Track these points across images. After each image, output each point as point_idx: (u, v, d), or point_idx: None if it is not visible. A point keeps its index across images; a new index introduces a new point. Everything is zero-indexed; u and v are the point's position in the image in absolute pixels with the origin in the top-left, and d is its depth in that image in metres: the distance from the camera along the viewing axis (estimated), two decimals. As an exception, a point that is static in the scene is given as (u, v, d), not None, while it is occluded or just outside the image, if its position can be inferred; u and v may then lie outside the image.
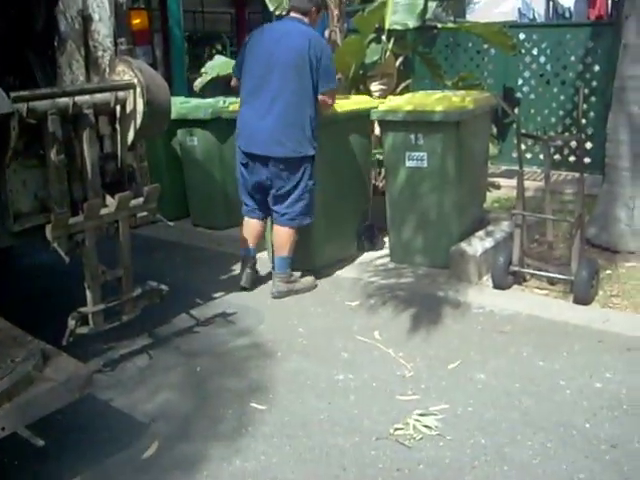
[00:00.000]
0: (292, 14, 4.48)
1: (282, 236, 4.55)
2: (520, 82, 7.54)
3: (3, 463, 2.85)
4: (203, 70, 6.47)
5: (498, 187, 6.54)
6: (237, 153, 4.57)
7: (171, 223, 4.06)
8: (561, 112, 7.33)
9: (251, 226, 4.70)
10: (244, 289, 4.68)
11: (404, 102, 4.88)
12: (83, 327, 3.54)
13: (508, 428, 3.02)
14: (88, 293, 3.55)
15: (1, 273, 4.69)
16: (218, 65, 6.49)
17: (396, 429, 3.02)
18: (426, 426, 3.03)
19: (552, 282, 4.50)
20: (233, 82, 4.67)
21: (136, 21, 4.35)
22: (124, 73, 3.61)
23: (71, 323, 3.46)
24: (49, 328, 3.25)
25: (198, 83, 6.37)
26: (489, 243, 4.83)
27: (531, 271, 4.49)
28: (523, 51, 7.31)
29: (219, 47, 14.57)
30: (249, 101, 4.46)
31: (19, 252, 5.14)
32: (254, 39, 4.53)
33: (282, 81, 4.30)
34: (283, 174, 4.39)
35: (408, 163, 4.84)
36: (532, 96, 7.51)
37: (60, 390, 2.69)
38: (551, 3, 14.84)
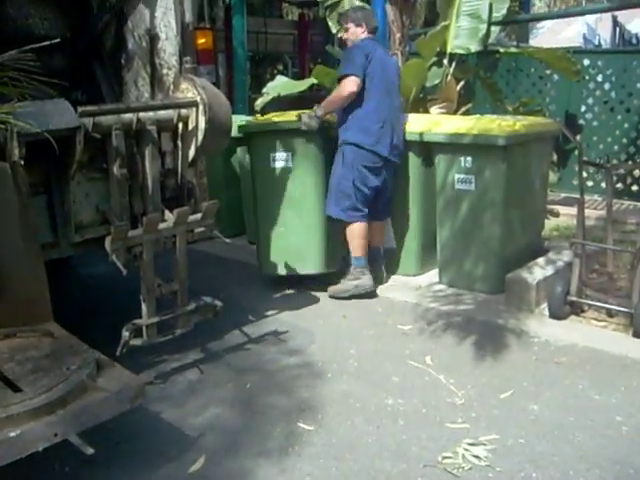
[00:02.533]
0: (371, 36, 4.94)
1: (381, 228, 5.11)
2: (583, 109, 7.40)
3: (54, 469, 2.91)
4: (265, 90, 6.56)
5: (557, 215, 6.42)
6: (362, 157, 4.76)
7: (227, 240, 4.10)
8: (624, 140, 7.15)
9: (367, 229, 4.91)
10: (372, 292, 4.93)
11: (454, 125, 4.87)
12: (137, 339, 3.60)
13: (560, 462, 2.94)
14: (143, 306, 3.61)
15: (59, 282, 4.80)
16: (279, 85, 6.58)
17: (444, 457, 2.97)
18: (475, 456, 2.97)
19: (611, 314, 4.38)
20: (352, 85, 4.67)
21: (201, 41, 4.48)
22: (188, 91, 3.69)
23: (125, 334, 3.52)
24: (104, 338, 3.30)
25: (259, 102, 6.45)
26: (547, 271, 4.73)
27: (589, 302, 4.38)
28: (587, 77, 7.18)
29: (281, 67, 14.78)
30: (382, 106, 4.77)
31: (77, 262, 5.28)
32: (372, 48, 4.79)
33: (396, 95, 4.96)
34: (394, 173, 4.96)
35: (457, 185, 4.82)
36: (595, 123, 7.36)
37: (112, 400, 2.73)
38: (618, 29, 14.56)
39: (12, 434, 2.47)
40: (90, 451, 2.61)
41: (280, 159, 4.93)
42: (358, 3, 5.67)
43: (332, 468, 2.93)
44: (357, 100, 4.70)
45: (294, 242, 4.99)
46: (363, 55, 4.67)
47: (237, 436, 3.19)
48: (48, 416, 2.58)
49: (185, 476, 2.90)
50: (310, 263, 5.03)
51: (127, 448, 3.09)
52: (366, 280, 4.86)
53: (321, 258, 5.03)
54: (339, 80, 4.75)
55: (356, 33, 4.87)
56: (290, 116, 4.91)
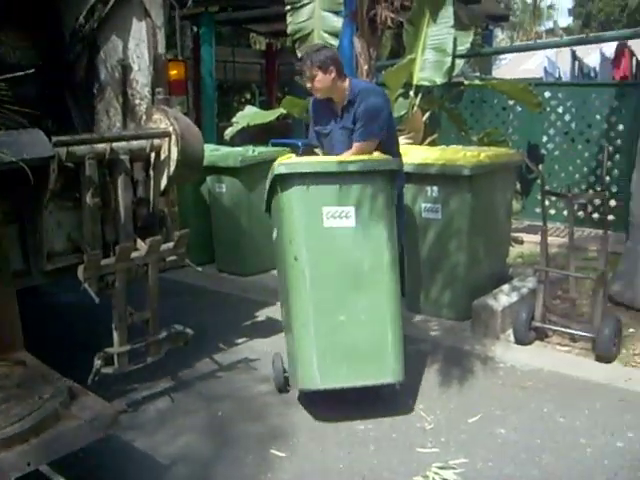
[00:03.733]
0: None
1: None
2: (545, 139, 7.61)
3: (25, 499, 2.88)
4: (234, 119, 6.63)
5: (521, 242, 6.58)
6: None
7: (199, 268, 4.13)
8: (585, 169, 7.37)
9: None
10: None
11: (421, 155, 4.97)
12: (108, 367, 3.61)
13: (528, 485, 3.01)
14: (115, 334, 3.62)
15: (30, 311, 4.77)
16: (249, 115, 6.66)
17: (415, 481, 3.02)
18: (445, 479, 3.03)
19: (574, 339, 4.48)
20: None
21: (173, 72, 4.48)
22: (160, 121, 3.74)
23: (97, 363, 3.53)
24: (75, 367, 3.30)
25: (229, 132, 6.52)
26: (512, 298, 4.84)
27: (553, 327, 4.48)
28: (548, 109, 7.40)
29: (248, 96, 14.91)
30: None
31: (45, 291, 5.25)
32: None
33: None
34: None
35: (424, 214, 4.93)
36: (556, 153, 7.57)
37: (86, 428, 2.74)
38: (577, 63, 15.00)
39: (-15, 463, 2.46)
40: (61, 480, 2.62)
41: (332, 215, 3.58)
42: (327, 37, 5.72)
43: (305, 494, 2.96)
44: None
45: (361, 337, 3.57)
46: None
47: (209, 464, 3.20)
48: (20, 445, 2.58)
49: (158, 504, 2.91)
50: (384, 369, 3.58)
51: (100, 476, 3.09)
52: None
53: (398, 360, 3.60)
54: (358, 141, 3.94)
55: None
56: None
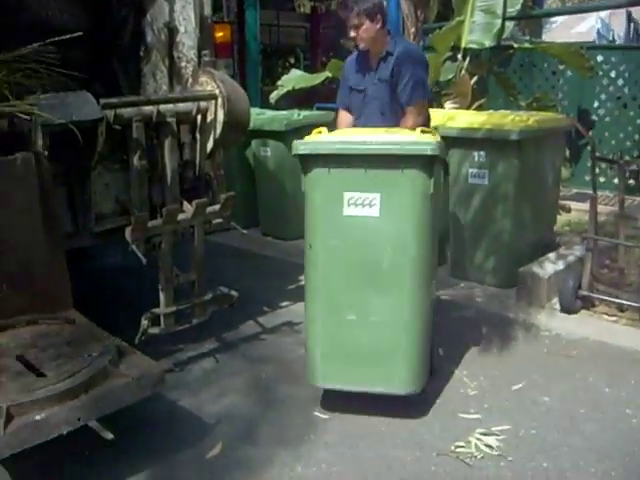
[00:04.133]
0: None
1: None
2: (596, 105, 7.41)
3: (74, 453, 2.97)
4: (280, 83, 6.61)
5: (569, 210, 6.46)
6: None
7: (244, 231, 4.16)
8: (637, 136, 7.17)
9: None
10: None
11: (468, 119, 4.91)
12: (155, 327, 3.67)
13: (571, 453, 2.99)
14: (161, 295, 3.68)
15: (80, 272, 4.88)
16: (294, 78, 6.64)
17: (457, 446, 3.02)
18: (488, 445, 3.03)
19: (622, 309, 4.41)
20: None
21: (219, 34, 4.45)
22: (207, 84, 3.75)
23: (144, 323, 3.59)
24: (123, 327, 3.36)
25: (274, 95, 6.49)
26: (559, 266, 4.76)
27: (601, 296, 4.41)
28: (600, 73, 7.19)
29: (292, 60, 14.82)
30: None
31: (96, 253, 5.35)
32: None
33: None
34: None
35: (470, 180, 4.86)
36: (607, 119, 7.37)
37: (133, 386, 2.79)
38: (632, 24, 14.52)
39: (38, 417, 2.53)
40: (110, 436, 2.68)
41: (354, 202, 3.16)
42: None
43: (347, 455, 2.99)
44: None
45: (369, 340, 3.25)
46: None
47: (254, 424, 3.25)
48: (71, 401, 2.65)
49: (203, 462, 2.97)
50: (392, 377, 3.25)
51: (146, 434, 3.16)
52: None
53: (412, 369, 3.26)
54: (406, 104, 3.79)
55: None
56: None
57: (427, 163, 3.12)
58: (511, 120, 4.69)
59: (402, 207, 3.14)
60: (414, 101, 3.78)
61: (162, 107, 3.56)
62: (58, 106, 3.17)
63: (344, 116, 4.01)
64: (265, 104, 7.18)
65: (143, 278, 3.86)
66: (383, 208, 3.13)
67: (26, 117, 3.09)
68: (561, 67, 7.47)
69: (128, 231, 3.44)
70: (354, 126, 3.91)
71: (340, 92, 4.05)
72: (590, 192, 4.49)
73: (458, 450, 3.00)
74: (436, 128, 4.81)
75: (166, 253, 3.62)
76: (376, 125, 3.70)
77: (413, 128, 3.52)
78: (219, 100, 3.68)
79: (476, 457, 2.96)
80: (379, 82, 3.82)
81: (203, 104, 3.69)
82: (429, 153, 3.08)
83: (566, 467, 2.89)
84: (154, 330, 3.66)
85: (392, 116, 3.82)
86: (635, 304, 4.23)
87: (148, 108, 3.51)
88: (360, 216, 3.16)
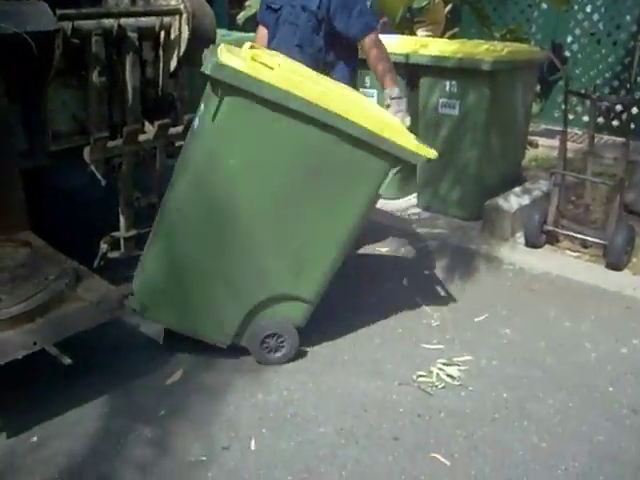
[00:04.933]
0: None
1: None
2: (569, 40, 7.30)
3: (32, 378, 2.91)
4: (247, 3, 6.36)
5: (536, 146, 6.43)
6: None
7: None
8: (608, 74, 7.11)
9: None
10: None
11: (440, 47, 4.80)
12: (114, 251, 3.57)
13: (530, 384, 3.03)
14: (121, 218, 3.57)
15: (36, 194, 4.73)
16: (263, -1, 6.36)
17: (419, 376, 3.04)
18: (449, 375, 3.05)
19: (585, 245, 4.43)
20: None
21: (185, -55, 4.23)
22: (171, -2, 3.56)
23: (103, 247, 3.50)
24: (81, 250, 3.25)
25: (241, 16, 6.26)
26: (524, 200, 4.76)
27: (565, 232, 4.42)
28: (576, 7, 7.06)
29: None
30: None
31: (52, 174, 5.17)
32: None
33: None
34: None
35: (440, 109, 4.79)
36: (580, 55, 7.28)
37: (92, 310, 2.72)
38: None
39: (-9, 340, 2.46)
40: (68, 361, 2.62)
41: None
42: None
43: (309, 383, 2.98)
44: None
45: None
46: None
47: (215, 351, 3.19)
48: (27, 324, 2.58)
49: (163, 386, 2.94)
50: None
51: (105, 359, 3.11)
52: None
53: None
54: (362, 35, 3.43)
55: None
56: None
57: None
58: (484, 50, 4.59)
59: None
60: (369, 29, 3.41)
61: (123, 21, 3.37)
62: (11, 15, 2.97)
63: (261, 32, 3.74)
64: (232, 26, 6.93)
65: (102, 202, 3.74)
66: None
67: (-24, 25, 2.90)
68: (537, -1, 7.33)
69: (87, 151, 3.29)
70: (268, 47, 3.52)
71: (260, 3, 3.74)
72: (559, 129, 4.44)
73: (420, 379, 3.01)
74: (407, 55, 4.73)
75: (126, 175, 3.50)
76: (292, 57, 3.21)
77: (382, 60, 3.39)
78: (184, 16, 3.51)
79: (437, 387, 2.97)
80: (301, 10, 3.43)
81: (167, 19, 3.52)
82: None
83: (525, 398, 2.93)
84: (114, 254, 3.56)
85: (313, 52, 3.46)
86: (599, 240, 4.25)
87: (108, 21, 3.33)
88: None
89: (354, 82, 3.66)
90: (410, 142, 2.89)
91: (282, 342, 3.09)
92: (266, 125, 2.73)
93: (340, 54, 3.52)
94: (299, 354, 3.18)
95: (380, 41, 3.45)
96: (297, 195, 2.87)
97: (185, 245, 2.95)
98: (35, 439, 2.60)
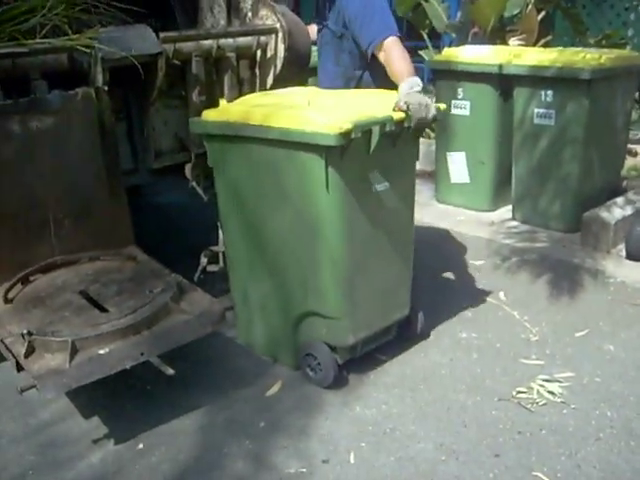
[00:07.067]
0: None
1: None
2: (670, 42, 7.04)
3: (136, 387, 3.02)
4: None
5: (635, 154, 6.19)
6: None
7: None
8: None
9: None
10: None
11: (535, 57, 4.69)
12: (213, 265, 3.66)
13: (636, 402, 2.91)
14: (220, 232, 3.65)
15: (138, 210, 4.92)
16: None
17: (519, 392, 2.97)
18: (550, 392, 2.97)
19: (691, 257, 4.24)
20: None
21: (278, -34, 4.31)
22: (267, 18, 3.65)
23: (203, 260, 3.60)
24: (182, 264, 3.36)
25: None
26: (626, 211, 4.59)
27: (670, 243, 4.24)
28: (676, 8, 6.81)
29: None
30: None
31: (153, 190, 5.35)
32: None
33: None
34: None
35: (536, 120, 4.68)
36: (682, 58, 6.98)
37: (195, 323, 2.80)
38: None
39: (102, 352, 2.56)
40: (170, 372, 2.69)
41: None
42: None
43: (407, 398, 2.97)
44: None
45: None
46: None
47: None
48: (134, 336, 2.67)
49: (262, 399, 2.98)
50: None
51: (205, 371, 3.19)
52: None
53: None
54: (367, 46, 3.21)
55: None
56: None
57: None
58: (583, 58, 4.47)
59: None
60: (383, 36, 3.12)
61: (222, 42, 3.48)
62: (118, 40, 3.11)
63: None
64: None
65: (202, 217, 3.84)
66: None
67: (86, 51, 3.05)
68: (635, 2, 7.09)
69: (188, 168, 3.41)
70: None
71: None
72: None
73: (519, 396, 2.95)
74: (500, 66, 4.66)
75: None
76: (327, 77, 3.37)
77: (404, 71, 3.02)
78: (280, 34, 3.58)
79: (538, 403, 2.90)
80: (327, 30, 3.39)
81: (263, 38, 3.60)
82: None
83: (631, 417, 2.82)
84: (213, 268, 3.66)
85: (342, 70, 3.39)
86: None
87: (207, 42, 3.44)
88: None
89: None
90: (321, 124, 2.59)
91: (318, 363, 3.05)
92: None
93: (367, 68, 3.35)
94: (397, 368, 3.17)
95: (401, 50, 3.14)
96: (274, 216, 2.99)
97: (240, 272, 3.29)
98: (141, 446, 2.69)
